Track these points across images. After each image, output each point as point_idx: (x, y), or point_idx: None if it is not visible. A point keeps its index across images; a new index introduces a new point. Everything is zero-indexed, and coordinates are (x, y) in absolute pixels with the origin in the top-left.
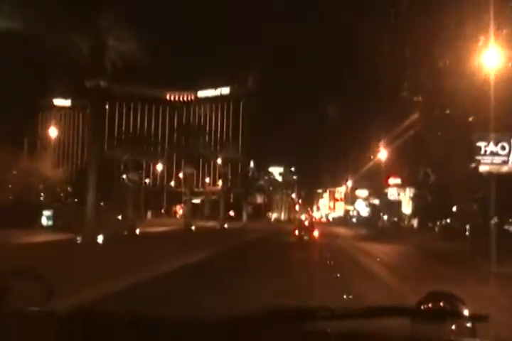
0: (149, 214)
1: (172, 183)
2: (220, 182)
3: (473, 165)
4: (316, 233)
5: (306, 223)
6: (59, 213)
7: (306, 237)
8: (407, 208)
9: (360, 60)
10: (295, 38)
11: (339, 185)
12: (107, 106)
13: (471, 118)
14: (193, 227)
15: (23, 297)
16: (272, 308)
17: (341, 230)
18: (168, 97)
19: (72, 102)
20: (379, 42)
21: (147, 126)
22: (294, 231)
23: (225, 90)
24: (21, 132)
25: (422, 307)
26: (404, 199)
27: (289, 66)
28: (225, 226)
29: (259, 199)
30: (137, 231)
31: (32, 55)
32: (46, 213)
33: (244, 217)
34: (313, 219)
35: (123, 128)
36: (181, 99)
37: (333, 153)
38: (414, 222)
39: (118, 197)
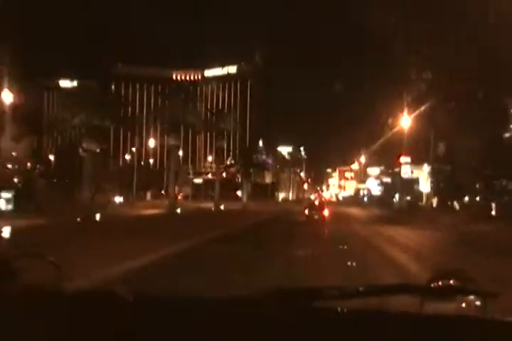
0: (149, 195)
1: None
2: (229, 161)
3: (507, 134)
4: (326, 212)
5: (316, 202)
6: (22, 195)
7: (316, 216)
8: (425, 186)
9: (370, 34)
10: (302, 14)
11: (349, 163)
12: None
13: None
14: (178, 210)
15: (35, 278)
16: (279, 288)
17: (354, 210)
18: (174, 77)
19: (78, 83)
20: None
21: (153, 106)
22: (304, 211)
23: (232, 69)
24: None
25: (432, 285)
26: (422, 176)
27: (296, 43)
28: (221, 207)
29: (267, 178)
30: (97, 216)
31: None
32: (5, 195)
33: (244, 197)
34: (323, 199)
35: (129, 109)
36: (188, 78)
37: (342, 132)
38: (434, 201)
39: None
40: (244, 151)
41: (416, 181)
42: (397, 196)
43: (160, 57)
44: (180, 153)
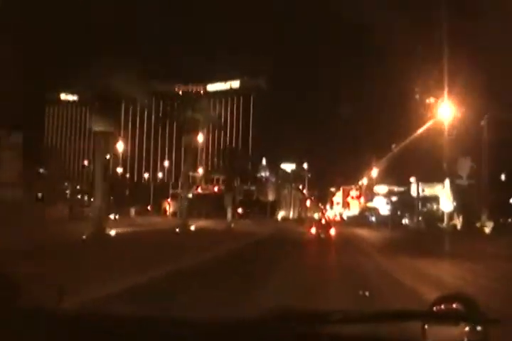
0: (132, 211)
1: (160, 175)
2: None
3: None
4: (332, 231)
5: (323, 221)
6: None
7: (322, 235)
8: (446, 204)
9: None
10: (307, 30)
11: (353, 182)
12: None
13: None
14: (112, 232)
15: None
16: (284, 310)
17: (364, 232)
18: (176, 91)
19: (79, 97)
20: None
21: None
22: (310, 230)
23: (235, 83)
24: None
25: (435, 309)
26: (443, 193)
27: (300, 59)
28: (192, 227)
29: (270, 196)
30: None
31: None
32: None
33: (229, 214)
34: (328, 218)
35: (129, 124)
36: (190, 92)
37: (348, 150)
38: (457, 222)
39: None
40: (228, 160)
41: (433, 199)
42: (407, 216)
43: (162, 71)
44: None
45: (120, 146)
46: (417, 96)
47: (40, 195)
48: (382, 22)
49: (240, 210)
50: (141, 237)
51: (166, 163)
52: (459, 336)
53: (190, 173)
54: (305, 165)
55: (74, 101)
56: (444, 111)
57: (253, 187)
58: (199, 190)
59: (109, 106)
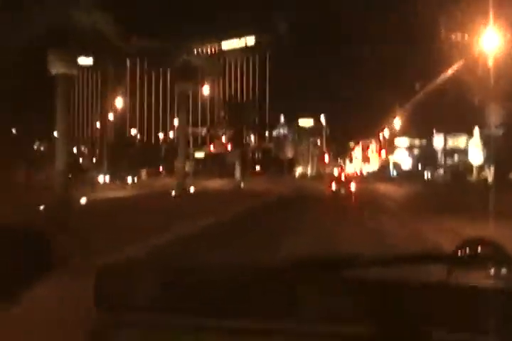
0: (143, 173)
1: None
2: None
3: None
4: (353, 187)
5: (342, 178)
6: None
7: (342, 191)
8: (476, 156)
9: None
10: None
11: (373, 136)
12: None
13: None
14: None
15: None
16: (306, 257)
17: (388, 188)
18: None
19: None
20: None
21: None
22: (329, 187)
23: (250, 40)
24: None
25: (459, 252)
26: (473, 144)
27: (317, 9)
28: (191, 189)
29: (289, 154)
30: None
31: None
32: None
33: (238, 172)
34: (347, 174)
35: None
36: (204, 51)
37: (366, 101)
38: (487, 174)
39: None
40: (234, 112)
41: (457, 151)
42: (429, 169)
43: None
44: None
45: (119, 102)
46: (443, 33)
47: None
48: None
49: (257, 168)
50: (121, 203)
51: (176, 122)
52: (485, 279)
53: (191, 129)
54: (323, 120)
55: None
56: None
57: (271, 145)
58: (211, 149)
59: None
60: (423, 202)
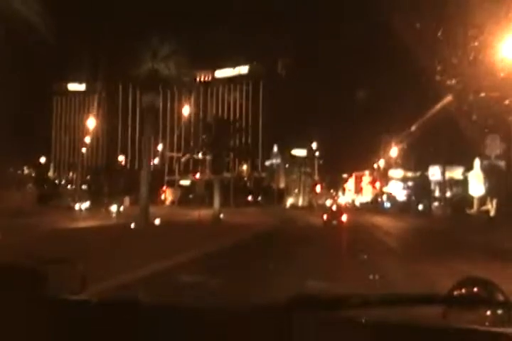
0: (127, 200)
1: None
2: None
3: None
4: (344, 217)
5: (334, 208)
6: None
7: (334, 222)
8: (477, 188)
9: (390, 40)
10: (316, 13)
11: (367, 168)
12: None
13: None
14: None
15: (59, 284)
16: (304, 295)
17: (384, 222)
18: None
19: (87, 86)
20: (411, 21)
21: (162, 108)
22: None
23: (244, 69)
24: None
25: (455, 293)
26: (473, 176)
27: (311, 43)
28: (156, 222)
29: (281, 183)
30: None
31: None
32: None
33: (216, 201)
34: (340, 205)
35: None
36: (198, 79)
37: (360, 134)
38: (490, 207)
39: None
40: (215, 135)
41: (454, 183)
42: (425, 201)
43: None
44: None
45: (91, 123)
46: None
47: None
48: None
49: (250, 197)
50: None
51: (160, 147)
52: (480, 320)
53: (169, 153)
54: (317, 152)
55: None
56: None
57: (263, 174)
58: (197, 176)
59: None
60: (424, 238)
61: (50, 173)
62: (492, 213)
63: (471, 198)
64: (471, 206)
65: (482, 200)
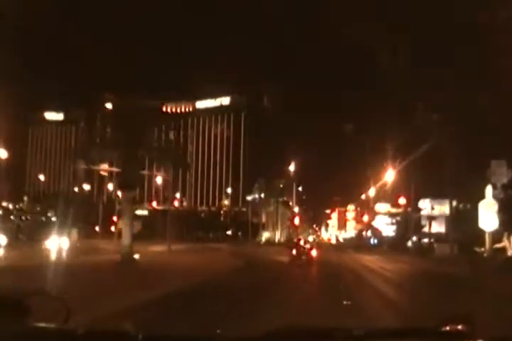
0: (74, 233)
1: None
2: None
3: None
4: (314, 253)
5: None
6: None
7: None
8: (489, 221)
9: (376, 77)
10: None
11: (350, 203)
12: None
13: None
14: None
15: (44, 315)
16: (287, 327)
17: (378, 264)
18: (164, 109)
19: (64, 116)
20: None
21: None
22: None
23: (226, 100)
24: None
25: (440, 329)
26: (483, 207)
27: (293, 76)
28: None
29: (263, 218)
30: None
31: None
32: None
33: (127, 235)
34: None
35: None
36: (179, 110)
37: (344, 169)
38: (507, 244)
39: None
40: (126, 151)
41: (462, 216)
42: (414, 238)
43: (149, 89)
44: None
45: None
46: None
47: None
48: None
49: (229, 232)
50: None
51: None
52: None
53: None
54: (300, 188)
55: None
56: None
57: (244, 209)
58: (154, 205)
59: None
60: (451, 292)
61: None
62: (510, 252)
63: (481, 233)
64: (482, 243)
65: (496, 236)
